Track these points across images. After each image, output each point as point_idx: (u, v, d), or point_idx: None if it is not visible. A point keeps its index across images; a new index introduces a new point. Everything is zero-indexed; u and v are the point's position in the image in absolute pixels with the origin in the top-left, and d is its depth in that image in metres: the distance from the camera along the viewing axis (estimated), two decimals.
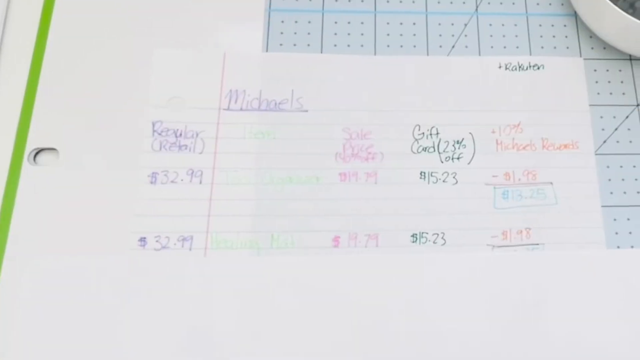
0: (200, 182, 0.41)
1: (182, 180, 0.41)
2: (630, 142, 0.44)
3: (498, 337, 0.38)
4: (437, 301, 0.39)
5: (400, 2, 0.47)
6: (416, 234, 0.41)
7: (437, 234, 0.41)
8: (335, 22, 0.46)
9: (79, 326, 0.37)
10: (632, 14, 0.42)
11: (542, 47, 0.46)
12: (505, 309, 0.39)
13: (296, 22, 0.45)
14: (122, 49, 0.43)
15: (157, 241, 0.40)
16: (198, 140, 0.42)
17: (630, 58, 0.46)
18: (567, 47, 0.46)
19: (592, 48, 0.46)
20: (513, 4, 0.47)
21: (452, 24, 0.46)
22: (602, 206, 0.42)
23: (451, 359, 0.38)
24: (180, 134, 0.42)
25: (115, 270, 0.38)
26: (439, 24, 0.46)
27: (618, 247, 0.41)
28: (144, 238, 0.40)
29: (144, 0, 0.45)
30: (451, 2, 0.47)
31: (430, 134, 0.43)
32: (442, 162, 0.43)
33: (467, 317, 0.39)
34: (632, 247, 0.41)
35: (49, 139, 0.41)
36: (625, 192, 0.43)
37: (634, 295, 0.40)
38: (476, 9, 0.47)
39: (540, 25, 0.47)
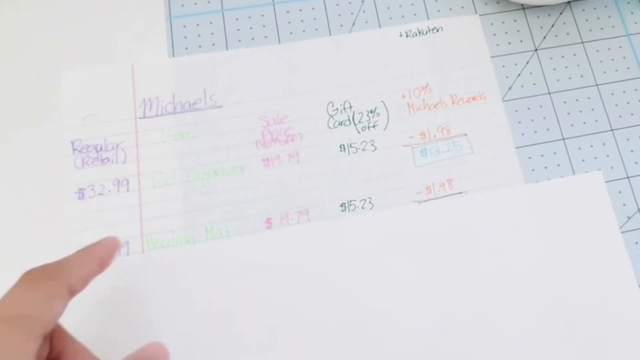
0: (128, 190, 0.47)
1: (109, 191, 0.47)
2: (534, 84, 0.52)
3: (433, 282, 0.45)
4: (371, 258, 0.46)
5: None
6: (344, 203, 0.48)
7: (365, 200, 0.48)
8: (237, 19, 0.53)
9: None
10: None
11: (439, 11, 0.54)
12: (437, 255, 0.46)
13: (198, 24, 0.53)
14: (28, 74, 0.49)
15: None
16: (119, 151, 0.48)
17: (523, 7, 0.55)
18: (462, 7, 0.55)
19: (486, 4, 0.55)
20: None
21: (350, 3, 0.54)
22: (516, 147, 0.50)
23: (391, 312, 0.45)
24: (101, 148, 0.48)
25: None
26: (337, 5, 0.54)
27: (536, 182, 0.49)
28: None
29: (44, 23, 0.51)
30: None
31: (344, 109, 0.51)
32: (359, 132, 0.50)
33: (401, 269, 0.46)
34: (549, 179, 0.49)
35: None
36: (535, 132, 0.51)
37: (554, 222, 0.47)
38: None
39: None
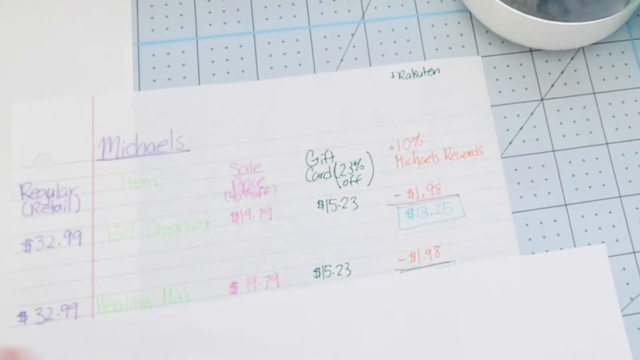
0: (80, 244, 0.44)
1: (59, 244, 0.44)
2: (537, 140, 0.48)
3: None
4: (345, 332, 0.42)
5: (280, 18, 0.50)
6: (319, 268, 0.44)
7: (342, 265, 0.44)
8: (212, 49, 0.49)
9: None
10: (518, 8, 0.46)
11: (437, 49, 0.50)
12: (418, 330, 0.43)
13: (168, 53, 0.48)
14: None
15: (38, 314, 0.42)
16: (73, 197, 0.44)
17: (530, 50, 0.50)
18: (463, 46, 0.50)
19: (490, 44, 0.51)
20: (402, 5, 0.51)
21: (339, 36, 0.50)
22: (513, 212, 0.46)
23: None
24: (53, 194, 0.44)
25: None
26: (324, 37, 0.50)
27: (532, 253, 0.45)
28: (24, 312, 0.42)
29: None
30: (335, 12, 0.50)
31: (325, 159, 0.47)
32: (340, 187, 0.46)
33: (378, 344, 0.42)
34: (546, 251, 0.45)
35: None
36: (535, 195, 0.47)
37: (550, 299, 0.44)
38: (362, 16, 0.50)
39: (432, 26, 0.51)
